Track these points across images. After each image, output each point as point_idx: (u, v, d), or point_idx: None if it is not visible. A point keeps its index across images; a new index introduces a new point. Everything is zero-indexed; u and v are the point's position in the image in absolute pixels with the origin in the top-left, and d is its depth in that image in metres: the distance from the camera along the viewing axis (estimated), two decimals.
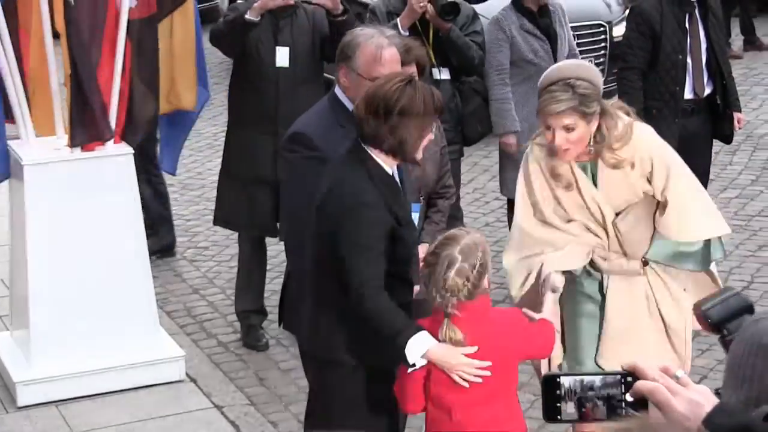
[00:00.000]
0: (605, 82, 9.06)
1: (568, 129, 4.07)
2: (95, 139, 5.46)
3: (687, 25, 6.15)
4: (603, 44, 9.01)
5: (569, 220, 4.28)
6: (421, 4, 5.79)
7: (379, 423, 4.02)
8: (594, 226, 4.25)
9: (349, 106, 4.21)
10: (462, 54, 5.99)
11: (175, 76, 5.96)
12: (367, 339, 3.88)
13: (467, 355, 3.74)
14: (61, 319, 5.39)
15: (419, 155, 3.91)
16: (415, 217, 4.52)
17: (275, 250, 6.46)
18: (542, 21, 6.28)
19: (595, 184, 4.24)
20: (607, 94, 9.64)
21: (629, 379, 1.78)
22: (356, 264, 3.80)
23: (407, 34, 5.76)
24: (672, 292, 4.33)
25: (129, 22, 5.52)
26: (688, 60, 6.15)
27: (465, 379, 3.76)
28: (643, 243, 4.28)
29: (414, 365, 3.78)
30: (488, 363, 3.75)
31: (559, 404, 1.79)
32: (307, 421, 4.33)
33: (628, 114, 4.27)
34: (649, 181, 4.22)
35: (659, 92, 6.15)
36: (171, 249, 7.36)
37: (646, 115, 5.96)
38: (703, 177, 6.45)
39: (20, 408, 5.28)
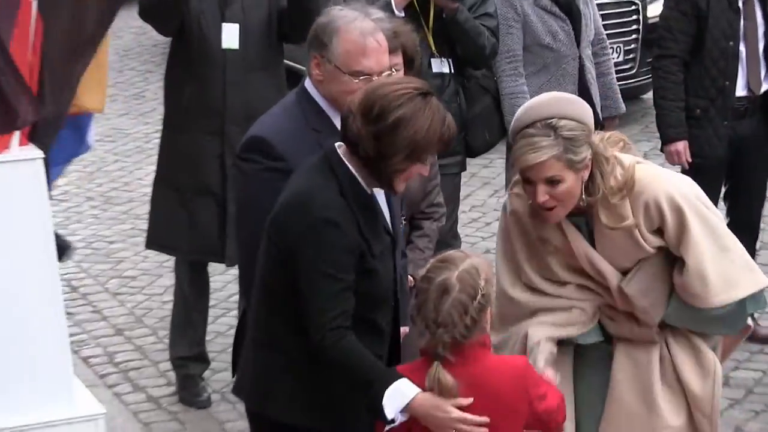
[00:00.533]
0: (637, 75, 9.16)
1: (553, 182, 3.97)
2: (9, 127, 5.39)
3: (740, 4, 6.20)
4: (635, 26, 9.13)
5: (565, 283, 4.23)
6: None
7: None
8: (595, 286, 4.20)
9: (323, 104, 4.23)
10: (470, 41, 5.93)
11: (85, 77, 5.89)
12: (332, 395, 3.89)
13: (461, 409, 3.69)
14: None
15: (400, 186, 3.89)
16: None
17: (221, 281, 6.48)
18: None
19: (592, 241, 4.17)
20: (639, 92, 9.79)
21: None
22: (318, 298, 3.78)
23: (402, 15, 5.72)
24: (696, 351, 4.25)
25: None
26: (741, 47, 6.19)
27: None
28: (658, 307, 4.20)
29: (393, 421, 3.74)
30: (486, 419, 3.70)
31: None
32: None
33: (627, 150, 4.18)
34: (662, 234, 4.11)
35: (704, 87, 6.20)
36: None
37: (689, 115, 6.04)
38: (758, 192, 6.48)
39: None
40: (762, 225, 7.26)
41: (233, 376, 4.90)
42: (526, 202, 4.12)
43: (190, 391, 6.17)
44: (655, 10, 9.25)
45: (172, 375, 6.33)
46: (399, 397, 3.71)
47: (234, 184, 4.30)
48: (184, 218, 5.93)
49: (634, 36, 9.16)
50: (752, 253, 6.49)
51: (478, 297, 3.66)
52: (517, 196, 4.17)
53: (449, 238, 5.45)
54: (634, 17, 9.25)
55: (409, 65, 4.78)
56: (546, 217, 4.07)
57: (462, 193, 7.95)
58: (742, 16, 6.17)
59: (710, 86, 6.19)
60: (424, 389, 3.69)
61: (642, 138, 9.25)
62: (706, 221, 4.10)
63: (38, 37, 5.57)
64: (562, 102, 4.13)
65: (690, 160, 6.27)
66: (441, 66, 5.93)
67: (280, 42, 5.93)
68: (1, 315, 5.41)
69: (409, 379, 3.74)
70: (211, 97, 5.80)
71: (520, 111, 4.12)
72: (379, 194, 4.07)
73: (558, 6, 6.25)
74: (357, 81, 4.13)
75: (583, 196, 4.04)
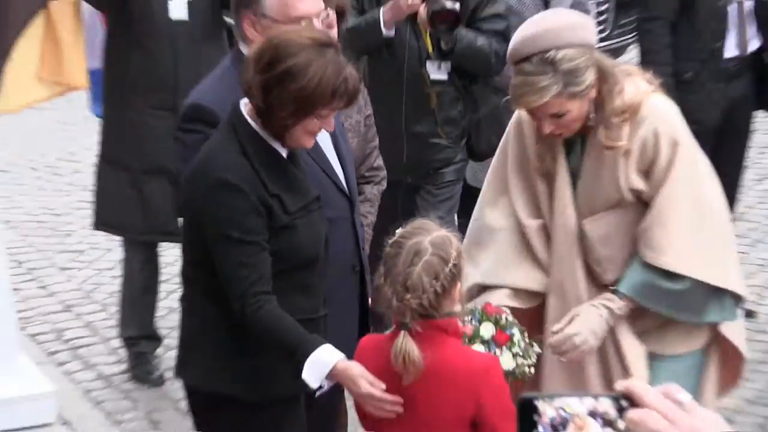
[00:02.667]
0: (610, 36, 9.17)
1: (557, 116, 3.96)
2: None
3: None
4: None
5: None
6: (411, 2, 5.58)
7: None
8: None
9: None
10: (474, 63, 5.79)
11: (63, 58, 5.96)
12: (247, 362, 3.92)
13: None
14: None
15: (301, 141, 3.86)
16: None
17: (172, 255, 6.47)
18: None
19: (576, 173, 4.13)
20: (615, 52, 9.77)
21: (623, 403, 1.78)
22: (230, 265, 3.80)
23: (391, 34, 5.65)
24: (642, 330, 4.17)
25: None
26: (731, 6, 6.16)
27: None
28: (614, 263, 4.13)
29: (321, 387, 3.83)
30: (399, 399, 3.68)
31: (535, 428, 1.78)
32: None
33: (649, 83, 4.09)
34: (647, 177, 4.05)
35: (695, 50, 6.17)
36: None
37: (678, 80, 5.97)
38: (739, 159, 6.46)
39: None
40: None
41: None
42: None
43: (142, 368, 6.17)
44: None
45: (123, 352, 6.34)
46: (320, 365, 3.73)
47: (176, 157, 4.25)
48: (134, 198, 5.91)
49: None
50: None
51: (450, 264, 3.62)
52: (520, 118, 4.18)
53: None
54: None
55: (341, 19, 4.69)
56: (554, 138, 4.08)
57: None
58: None
59: (702, 48, 6.16)
60: (388, 364, 3.65)
61: None
62: (696, 181, 4.09)
63: None
64: (561, 28, 4.02)
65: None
66: (438, 71, 5.76)
67: (221, 10, 5.88)
68: None
69: (376, 349, 3.75)
70: (162, 70, 5.77)
71: (516, 38, 4.04)
72: (330, 150, 4.17)
73: None
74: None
75: (592, 114, 4.03)
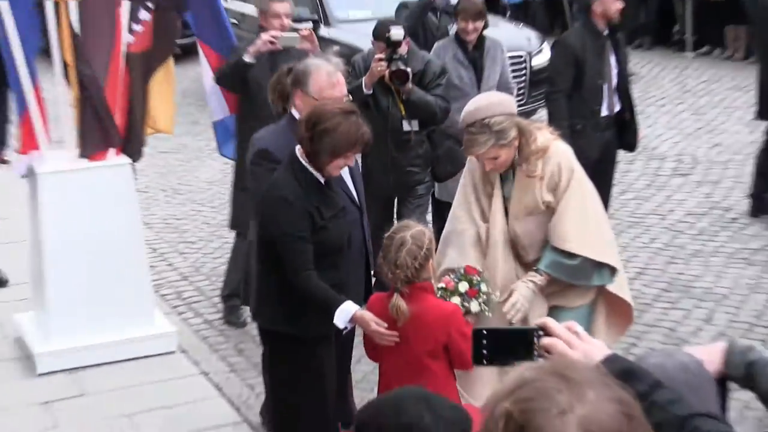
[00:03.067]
0: (527, 103, 9.23)
1: (493, 158, 3.95)
2: (106, 147, 5.45)
3: (603, 54, 6.07)
4: (524, 71, 9.03)
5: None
6: (379, 69, 5.46)
7: (320, 389, 3.99)
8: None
9: None
10: (423, 112, 5.62)
11: (155, 106, 5.88)
12: (304, 312, 3.88)
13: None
14: (74, 302, 5.40)
15: (332, 172, 3.84)
16: None
17: None
18: (473, 53, 6.09)
19: (509, 194, 4.08)
20: (529, 114, 9.86)
21: (541, 333, 1.79)
22: (287, 251, 3.78)
23: (370, 92, 5.56)
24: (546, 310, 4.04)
25: (127, 54, 5.56)
26: (604, 84, 6.08)
27: (390, 346, 3.72)
28: (534, 248, 4.07)
29: (346, 328, 3.81)
30: (395, 333, 3.69)
31: (484, 351, 1.80)
32: (265, 387, 4.35)
33: (552, 133, 4.07)
34: (555, 193, 4.01)
35: (583, 111, 6.06)
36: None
37: (572, 130, 5.85)
38: (609, 182, 6.49)
39: (39, 375, 5.33)
40: (642, 220, 7.39)
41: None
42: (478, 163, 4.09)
43: (232, 316, 6.11)
44: (537, 61, 9.12)
45: (220, 306, 6.27)
46: (345, 313, 3.78)
47: (251, 182, 4.32)
48: (250, 210, 5.79)
49: (523, 78, 9.07)
50: None
51: (424, 249, 3.64)
52: (472, 160, 4.13)
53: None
54: (523, 65, 9.14)
55: None
56: (492, 172, 4.05)
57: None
58: (603, 63, 6.07)
59: (586, 110, 6.06)
60: (388, 313, 3.70)
61: None
62: (584, 195, 4.05)
63: (125, 85, 5.59)
64: (492, 104, 4.00)
65: None
66: (409, 125, 5.61)
67: None
68: (107, 268, 5.45)
69: (380, 304, 3.76)
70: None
71: (465, 110, 3.99)
72: (346, 174, 4.11)
73: (468, 60, 6.06)
74: None
75: (516, 157, 3.99)
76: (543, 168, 3.99)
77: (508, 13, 12.54)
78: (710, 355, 2.05)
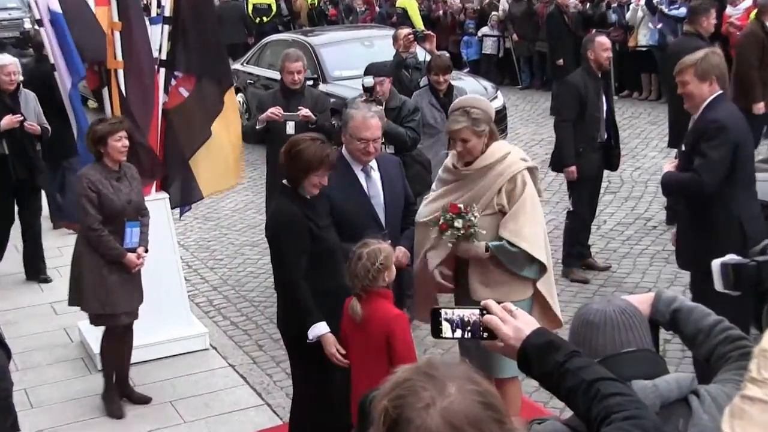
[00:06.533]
0: None
1: (464, 141, 3.77)
2: (150, 180, 5.37)
3: (599, 92, 6.17)
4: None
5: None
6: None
7: (324, 374, 3.89)
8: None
9: (347, 157, 4.17)
10: (395, 141, 5.61)
11: (228, 162, 5.67)
12: (296, 318, 3.79)
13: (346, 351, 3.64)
14: None
15: (311, 190, 3.74)
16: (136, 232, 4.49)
17: None
18: (444, 99, 6.02)
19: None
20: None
21: (484, 312, 1.74)
22: (288, 263, 3.71)
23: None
24: (492, 279, 3.85)
25: (163, 110, 5.52)
26: (602, 116, 6.19)
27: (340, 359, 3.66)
28: (488, 237, 3.81)
29: (311, 340, 3.72)
30: (346, 361, 3.62)
31: (440, 326, 1.73)
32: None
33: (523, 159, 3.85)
34: (509, 200, 3.79)
35: (585, 137, 6.17)
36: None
37: (577, 152, 6.12)
38: (598, 192, 6.57)
39: (99, 370, 5.20)
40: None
41: None
42: (451, 159, 3.92)
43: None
44: (494, 105, 8.99)
45: (245, 310, 6.23)
46: (317, 330, 3.71)
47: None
48: None
49: None
50: (588, 233, 6.56)
51: (377, 264, 3.48)
52: (449, 155, 3.98)
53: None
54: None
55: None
56: (460, 158, 3.86)
57: None
58: (600, 99, 6.17)
59: (588, 135, 6.16)
60: (348, 311, 3.58)
61: None
62: (534, 208, 3.83)
63: (162, 131, 5.53)
64: (476, 100, 3.94)
65: (577, 175, 6.27)
66: (386, 149, 5.44)
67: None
68: (151, 281, 5.24)
69: (347, 304, 3.60)
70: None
71: (456, 101, 3.95)
72: (378, 194, 4.09)
73: (440, 104, 5.99)
74: (361, 143, 4.10)
75: (482, 152, 3.81)
76: (502, 170, 3.81)
77: (467, 69, 12.86)
78: (641, 303, 2.00)
